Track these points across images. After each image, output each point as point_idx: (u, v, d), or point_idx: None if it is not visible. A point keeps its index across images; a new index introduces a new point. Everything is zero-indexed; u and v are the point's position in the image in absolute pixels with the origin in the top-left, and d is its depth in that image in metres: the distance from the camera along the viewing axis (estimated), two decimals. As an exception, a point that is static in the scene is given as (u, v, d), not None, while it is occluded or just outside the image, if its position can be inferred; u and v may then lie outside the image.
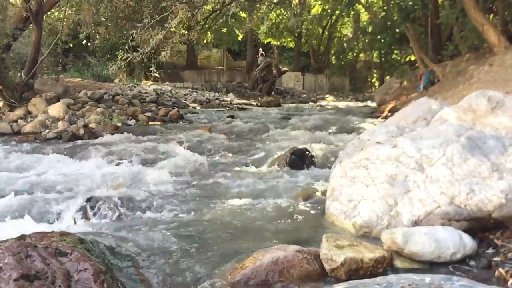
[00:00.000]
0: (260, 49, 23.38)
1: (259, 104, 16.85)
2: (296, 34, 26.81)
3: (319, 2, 24.24)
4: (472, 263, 2.20)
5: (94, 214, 3.14)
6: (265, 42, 25.72)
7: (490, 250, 2.33)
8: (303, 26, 24.18)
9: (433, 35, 13.64)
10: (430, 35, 13.62)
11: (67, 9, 10.78)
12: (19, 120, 8.33)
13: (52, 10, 12.17)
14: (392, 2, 14.57)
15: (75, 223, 3.06)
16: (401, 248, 2.18)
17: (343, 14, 22.48)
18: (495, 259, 2.20)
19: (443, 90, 9.94)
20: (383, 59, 25.80)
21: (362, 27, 21.70)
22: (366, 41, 18.47)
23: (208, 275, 2.16)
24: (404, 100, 11.64)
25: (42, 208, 3.27)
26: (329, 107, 17.01)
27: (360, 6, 21.40)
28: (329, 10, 22.95)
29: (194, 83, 21.11)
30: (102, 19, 10.10)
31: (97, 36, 10.85)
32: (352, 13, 20.94)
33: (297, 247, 2.16)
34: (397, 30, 15.11)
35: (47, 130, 7.71)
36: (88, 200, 3.27)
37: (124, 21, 9.46)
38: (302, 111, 13.98)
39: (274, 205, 3.37)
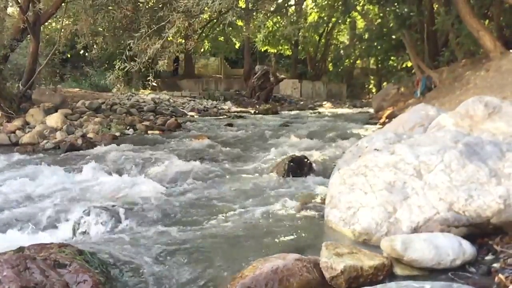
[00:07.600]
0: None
1: (256, 112, 16.86)
2: (293, 42, 26.96)
3: (316, 10, 24.42)
4: (472, 269, 2.20)
5: (93, 225, 3.13)
6: (262, 50, 25.82)
7: (490, 256, 2.32)
8: (299, 34, 24.28)
9: (429, 42, 13.72)
10: (426, 41, 13.70)
11: (64, 19, 10.83)
12: (17, 131, 8.31)
13: (50, 21, 12.22)
14: (388, 9, 14.67)
15: (73, 234, 3.05)
16: (400, 255, 2.18)
17: (340, 21, 22.71)
18: (495, 265, 2.20)
19: (440, 96, 9.99)
20: (380, 65, 26.04)
21: (358, 34, 21.90)
22: (363, 47, 18.64)
23: (208, 285, 2.15)
24: (402, 106, 11.70)
25: (40, 219, 3.25)
26: (327, 114, 17.02)
27: (356, 13, 21.56)
28: (325, 18, 23.18)
29: (192, 91, 21.16)
30: (99, 29, 10.14)
31: (95, 46, 10.89)
32: (348, 20, 21.06)
33: (297, 256, 2.16)
34: (393, 36, 15.24)
35: (45, 141, 7.70)
36: (87, 210, 3.25)
37: (121, 31, 9.50)
38: (300, 118, 13.99)
39: (272, 213, 3.37)
